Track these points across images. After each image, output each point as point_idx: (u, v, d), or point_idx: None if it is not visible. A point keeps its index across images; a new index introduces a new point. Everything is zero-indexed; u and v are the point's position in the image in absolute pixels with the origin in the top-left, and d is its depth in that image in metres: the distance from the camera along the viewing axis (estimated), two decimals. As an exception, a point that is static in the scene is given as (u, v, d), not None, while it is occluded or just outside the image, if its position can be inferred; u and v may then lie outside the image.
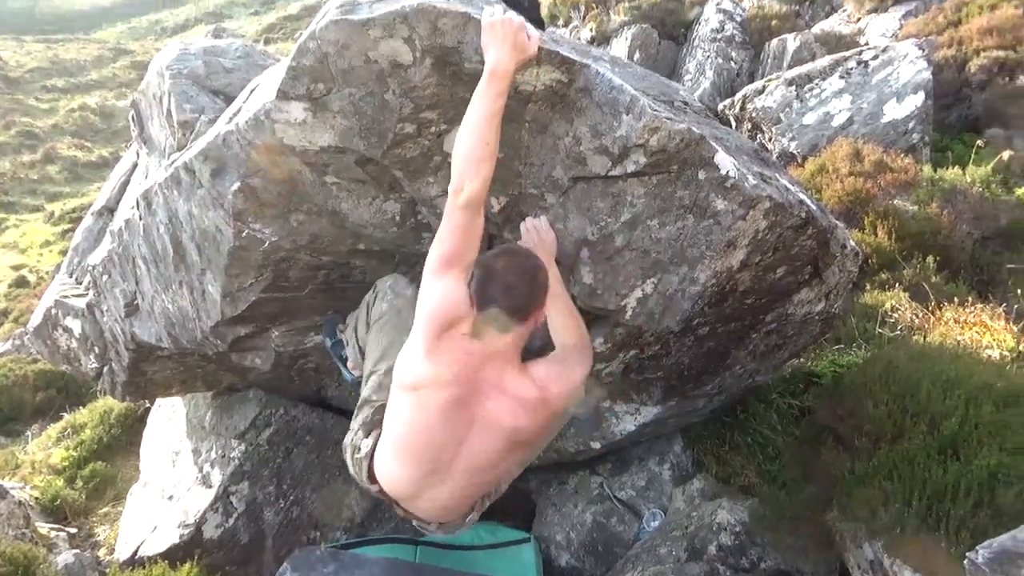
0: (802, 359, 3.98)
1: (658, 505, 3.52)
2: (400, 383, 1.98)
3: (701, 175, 2.27)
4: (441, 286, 1.92)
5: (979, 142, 6.16)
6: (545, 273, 1.97)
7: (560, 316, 2.21)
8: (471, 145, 1.84)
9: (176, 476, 3.83)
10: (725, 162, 2.27)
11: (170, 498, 3.76)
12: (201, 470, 3.70)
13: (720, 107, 7.41)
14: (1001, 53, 7.13)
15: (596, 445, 3.47)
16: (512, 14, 1.90)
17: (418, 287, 2.01)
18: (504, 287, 1.87)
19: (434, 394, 1.92)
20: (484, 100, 1.82)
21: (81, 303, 3.67)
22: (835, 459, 2.89)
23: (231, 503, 3.53)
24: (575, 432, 3.45)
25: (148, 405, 4.95)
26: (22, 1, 50.63)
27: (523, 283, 1.89)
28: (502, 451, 2.03)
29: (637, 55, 9.46)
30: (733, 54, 8.91)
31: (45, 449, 5.75)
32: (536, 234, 2.25)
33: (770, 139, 6.72)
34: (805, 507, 2.91)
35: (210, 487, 3.59)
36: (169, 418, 4.32)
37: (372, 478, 2.12)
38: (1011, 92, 6.63)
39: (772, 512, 2.99)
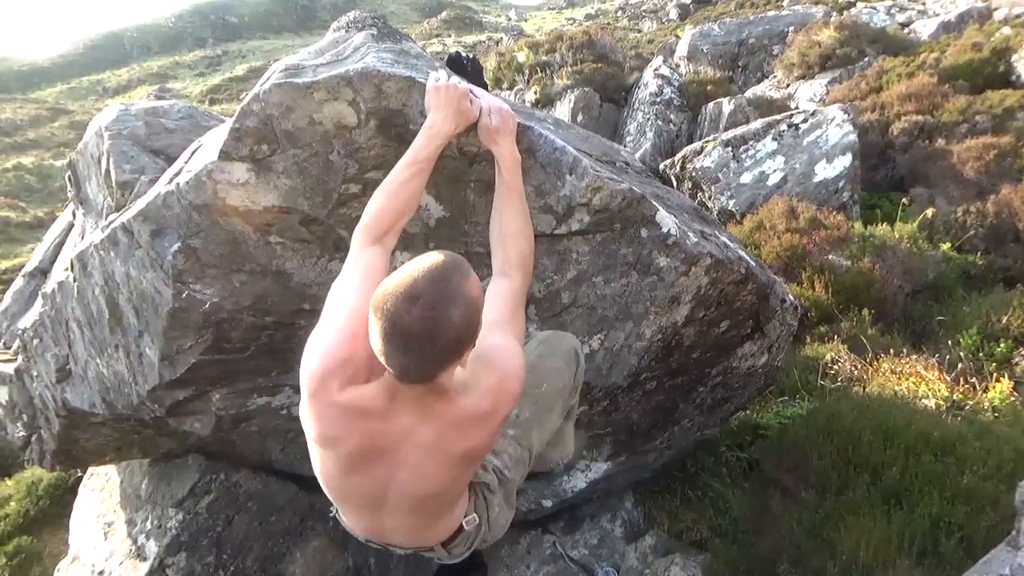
0: (748, 411, 4.04)
1: (611, 563, 3.47)
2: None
3: (644, 233, 2.33)
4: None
5: (904, 200, 6.48)
6: (468, 298, 1.45)
7: (509, 219, 1.90)
8: (385, 178, 1.84)
9: (108, 549, 3.62)
10: (666, 220, 2.34)
11: (100, 573, 3.54)
12: (135, 542, 3.51)
13: (661, 167, 7.65)
14: (920, 117, 7.57)
15: (548, 503, 3.43)
16: (456, 79, 1.95)
17: None
18: (396, 346, 1.42)
19: (326, 451, 1.68)
20: (412, 147, 1.84)
21: (9, 368, 3.50)
22: (783, 512, 2.92)
23: (167, 576, 3.35)
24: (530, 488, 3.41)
25: (79, 474, 4.72)
26: (-43, 61, 49.68)
27: (424, 336, 1.40)
28: (445, 476, 1.71)
29: (580, 117, 9.75)
30: (672, 116, 9.26)
31: (-35, 525, 5.39)
32: (496, 117, 1.93)
33: (710, 197, 6.94)
34: (757, 561, 2.92)
35: (145, 560, 3.40)
36: (102, 487, 4.11)
37: None
38: (931, 154, 7.01)
39: (725, 567, 2.98)
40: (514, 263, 1.85)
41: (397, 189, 1.81)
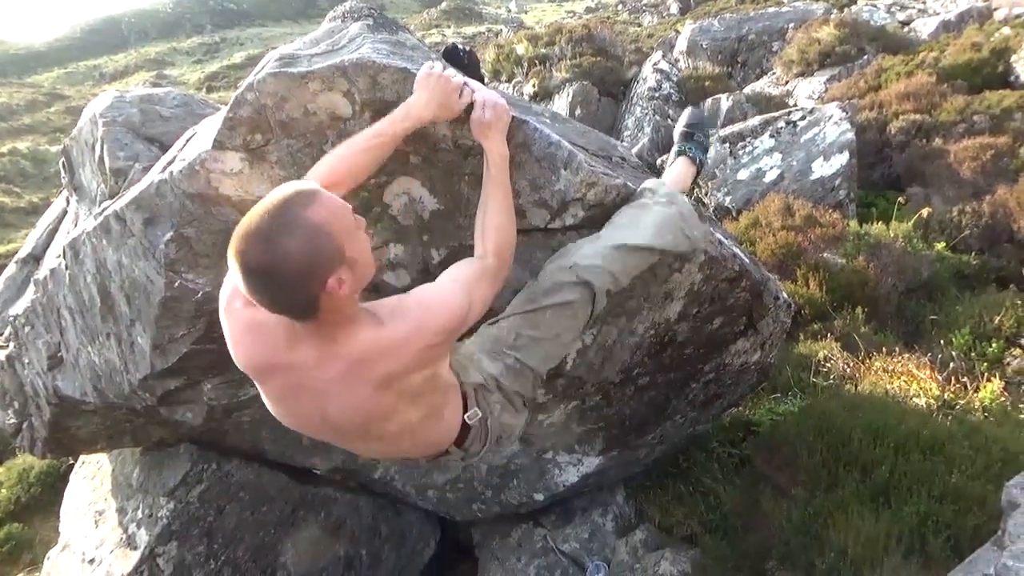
0: (741, 408, 4.05)
1: (601, 557, 3.49)
2: None
3: (638, 228, 2.32)
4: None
5: (900, 199, 6.48)
6: (309, 225, 1.41)
7: (492, 214, 1.88)
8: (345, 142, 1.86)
9: (99, 537, 3.62)
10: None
11: (91, 561, 3.54)
12: (126, 530, 3.51)
13: (658, 162, 7.64)
14: (917, 117, 7.57)
15: (539, 497, 3.44)
16: (451, 72, 1.94)
17: None
18: (251, 286, 1.43)
19: (260, 388, 1.75)
20: (383, 120, 1.84)
21: (0, 355, 3.49)
22: (774, 508, 2.93)
23: (157, 565, 3.34)
24: (518, 483, 3.42)
25: (71, 462, 4.71)
26: (-47, 44, 49.32)
27: (267, 271, 1.40)
28: (375, 403, 1.68)
29: (578, 111, 9.73)
30: (670, 112, 9.24)
31: (-44, 512, 5.39)
32: (490, 111, 1.89)
33: (706, 194, 6.94)
34: (746, 556, 2.93)
35: (135, 548, 3.40)
36: (93, 475, 4.11)
37: None
38: (928, 153, 7.01)
39: (714, 562, 2.99)
40: (491, 251, 1.85)
41: (350, 153, 1.81)
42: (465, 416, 1.89)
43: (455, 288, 1.72)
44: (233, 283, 1.61)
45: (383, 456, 1.85)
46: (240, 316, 1.64)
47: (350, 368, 1.60)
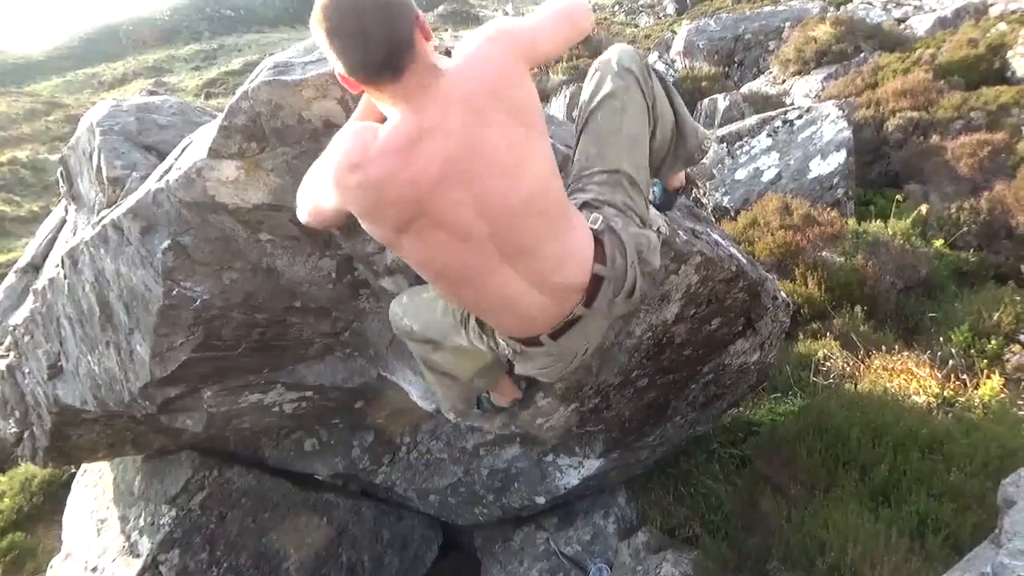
0: (741, 408, 4.06)
1: (604, 559, 3.49)
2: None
3: (633, 231, 2.32)
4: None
5: (899, 197, 6.48)
6: None
7: None
8: None
9: (101, 545, 3.63)
10: (656, 219, 2.33)
11: (94, 570, 3.55)
12: (128, 538, 3.52)
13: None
14: (915, 114, 7.58)
15: (540, 500, 3.44)
16: None
17: None
18: (345, 39, 1.43)
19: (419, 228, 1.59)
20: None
21: (1, 365, 3.49)
22: (773, 508, 2.93)
23: (160, 573, 3.34)
24: (519, 487, 3.42)
25: (73, 471, 4.71)
26: (-49, 54, 49.38)
27: (359, 8, 1.41)
28: (515, 140, 1.57)
29: (575, 114, 9.73)
30: (668, 112, 9.24)
31: (-41, 521, 5.39)
32: None
33: (704, 194, 6.95)
34: (747, 558, 2.93)
35: (138, 556, 3.40)
36: (95, 484, 4.11)
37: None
38: (925, 150, 7.02)
39: (715, 563, 2.99)
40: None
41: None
42: (588, 222, 1.75)
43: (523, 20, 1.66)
44: (336, 162, 1.55)
45: (541, 295, 1.69)
46: (359, 179, 1.52)
47: (467, 102, 1.51)
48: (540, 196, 1.62)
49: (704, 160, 2.22)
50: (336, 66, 1.47)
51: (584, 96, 1.95)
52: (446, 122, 1.50)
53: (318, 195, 1.66)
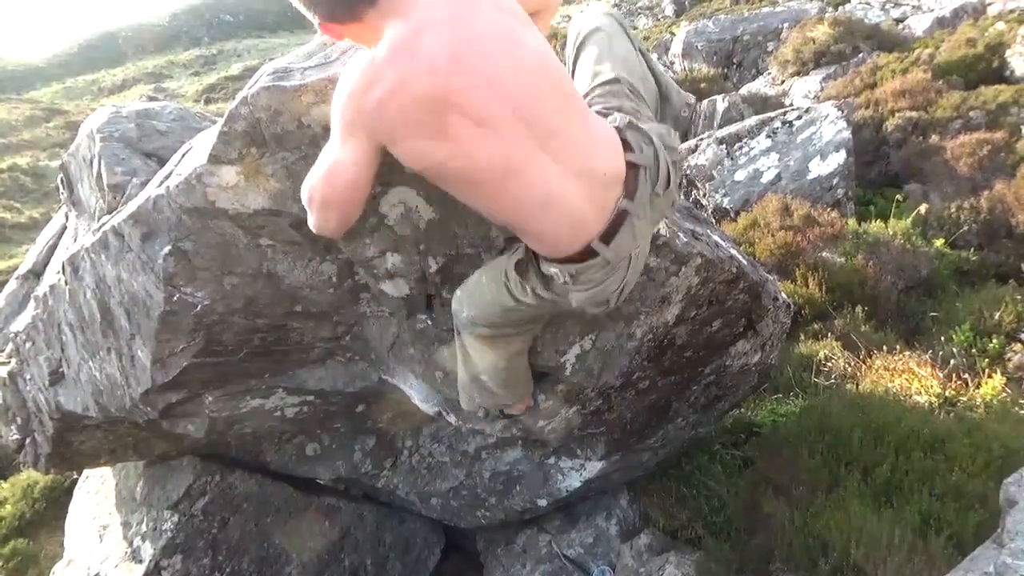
0: (743, 409, 4.06)
1: (606, 561, 3.49)
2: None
3: (633, 233, 2.33)
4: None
5: (899, 197, 6.49)
6: None
7: None
8: None
9: (103, 552, 3.63)
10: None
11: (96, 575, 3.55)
12: (131, 544, 3.52)
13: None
14: (914, 114, 7.59)
15: (542, 503, 3.44)
16: None
17: None
18: None
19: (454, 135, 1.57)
20: None
21: (2, 372, 3.50)
22: (776, 509, 2.93)
23: (162, 579, 3.35)
24: (520, 489, 3.42)
25: (75, 477, 4.71)
26: (-49, 61, 49.43)
27: None
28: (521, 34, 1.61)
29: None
30: (667, 114, 9.24)
31: (-39, 528, 5.39)
32: None
33: (704, 195, 6.95)
34: (750, 559, 2.93)
35: (140, 562, 3.40)
36: (97, 490, 4.11)
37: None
38: (925, 150, 7.03)
39: (718, 565, 2.99)
40: None
41: None
42: (608, 121, 1.77)
43: None
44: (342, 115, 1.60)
45: (584, 186, 1.68)
46: (379, 92, 1.52)
47: None
48: (547, 68, 1.63)
49: (688, 115, 2.21)
50: (317, 16, 1.55)
51: (569, 45, 2.01)
52: (436, 15, 1.52)
53: (339, 159, 1.64)
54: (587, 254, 1.76)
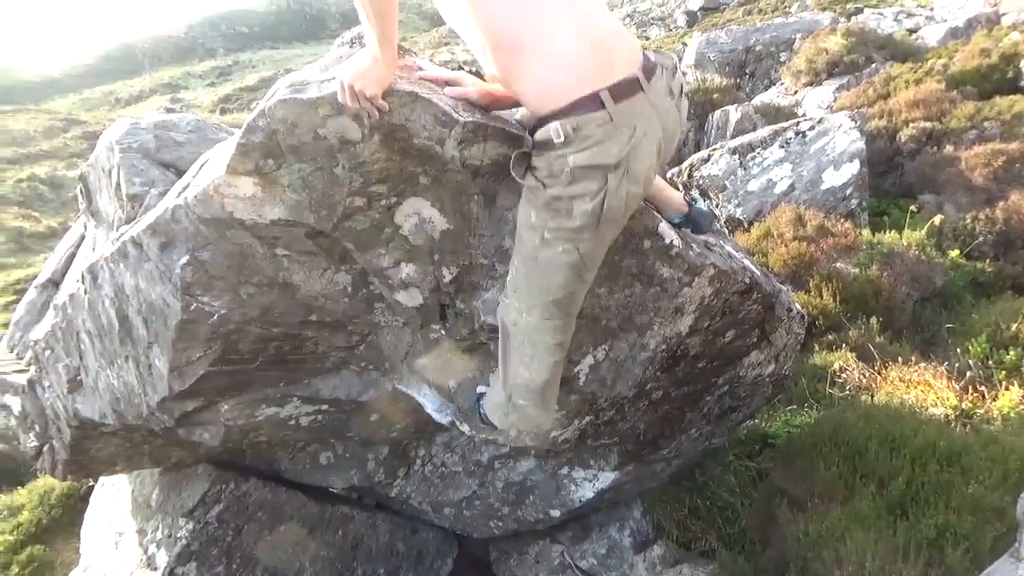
0: (756, 420, 4.04)
1: (619, 573, 3.48)
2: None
3: (647, 244, 2.34)
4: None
5: (913, 207, 6.46)
6: None
7: None
8: None
9: (119, 559, 3.65)
10: (668, 232, 2.35)
11: (111, 583, 3.57)
12: (146, 551, 3.54)
13: (669, 175, 7.66)
14: (928, 124, 7.56)
15: (555, 513, 3.43)
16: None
17: None
18: None
19: None
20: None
21: (22, 379, 3.54)
22: (790, 521, 2.91)
23: (177, 586, 3.36)
24: (534, 499, 3.42)
25: (91, 483, 4.75)
26: (-29, 73, 50.20)
27: None
28: None
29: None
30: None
31: (-22, 534, 5.43)
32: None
33: (717, 205, 6.94)
34: (764, 571, 2.91)
35: (155, 569, 3.42)
36: (113, 497, 4.14)
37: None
38: (939, 160, 7.00)
39: (731, 578, 2.98)
40: None
41: None
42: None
43: None
44: None
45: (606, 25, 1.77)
46: None
47: None
48: None
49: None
50: None
51: None
52: None
53: None
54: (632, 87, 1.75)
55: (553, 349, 2.15)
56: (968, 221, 6.02)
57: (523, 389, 2.26)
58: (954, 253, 5.74)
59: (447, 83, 2.09)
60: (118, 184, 2.98)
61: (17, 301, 6.84)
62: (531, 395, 2.27)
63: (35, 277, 4.44)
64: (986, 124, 7.30)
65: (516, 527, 3.54)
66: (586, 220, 1.83)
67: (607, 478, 3.30)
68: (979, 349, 4.33)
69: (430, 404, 2.77)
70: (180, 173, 2.84)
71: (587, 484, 3.35)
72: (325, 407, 2.91)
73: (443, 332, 2.49)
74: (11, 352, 3.97)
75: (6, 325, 6.20)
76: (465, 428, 2.78)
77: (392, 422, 3.12)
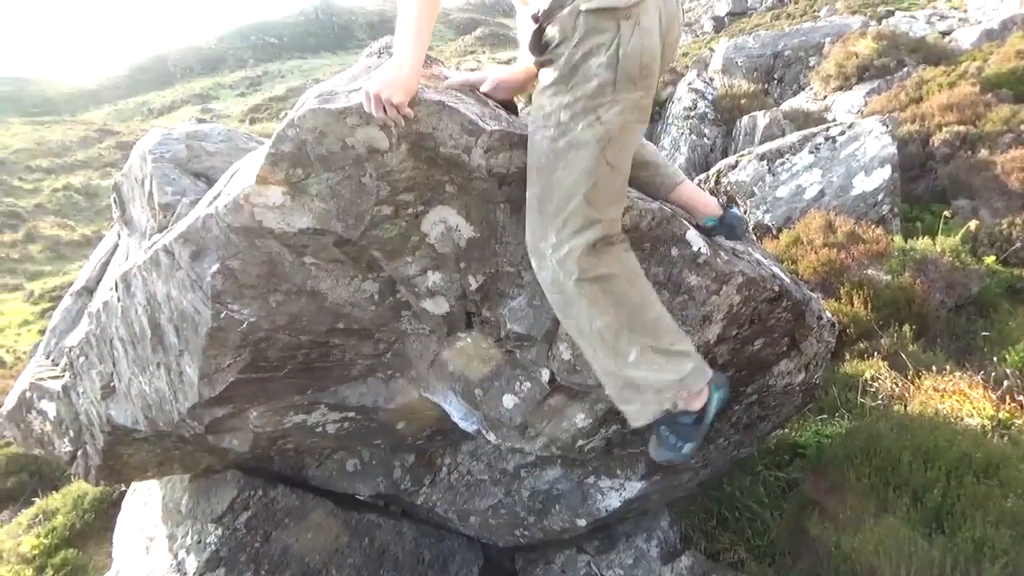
0: (786, 430, 3.98)
1: (646, 584, 3.43)
2: None
3: (674, 252, 2.32)
4: None
5: (947, 213, 6.34)
6: None
7: None
8: None
9: (150, 564, 3.70)
10: (697, 239, 2.33)
11: (142, 587, 3.61)
12: (176, 556, 3.58)
13: (696, 181, 7.61)
14: (962, 128, 7.42)
15: (581, 523, 3.41)
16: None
17: None
18: None
19: None
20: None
21: (57, 385, 3.60)
22: (821, 533, 2.86)
23: (206, 591, 3.40)
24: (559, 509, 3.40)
25: (124, 489, 4.82)
26: (9, 86, 51.51)
27: None
28: None
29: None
30: (706, 131, 9.21)
31: (15, 537, 5.54)
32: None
33: (745, 212, 6.88)
34: (794, 584, 2.86)
35: (185, 575, 3.46)
36: (144, 502, 4.20)
37: None
38: (974, 164, 6.86)
39: (761, 590, 2.93)
40: None
41: None
42: None
43: None
44: None
45: None
46: None
47: None
48: None
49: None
50: None
51: None
52: None
53: None
54: None
55: (616, 255, 2.02)
56: (1004, 226, 5.90)
57: (611, 342, 2.03)
58: (990, 259, 5.62)
59: (472, 86, 2.12)
60: (151, 193, 3.03)
61: (54, 308, 6.99)
62: (628, 338, 2.05)
63: (71, 285, 4.52)
64: (1023, 127, 7.14)
65: (542, 536, 3.52)
66: (603, 76, 1.84)
67: (634, 487, 3.27)
68: (1017, 358, 4.22)
69: (456, 412, 2.77)
70: (211, 182, 2.88)
71: (613, 493, 3.32)
72: (351, 414, 2.92)
73: (469, 340, 2.49)
74: (48, 358, 4.04)
75: (43, 332, 6.34)
76: (491, 436, 2.78)
77: (418, 430, 3.12)
